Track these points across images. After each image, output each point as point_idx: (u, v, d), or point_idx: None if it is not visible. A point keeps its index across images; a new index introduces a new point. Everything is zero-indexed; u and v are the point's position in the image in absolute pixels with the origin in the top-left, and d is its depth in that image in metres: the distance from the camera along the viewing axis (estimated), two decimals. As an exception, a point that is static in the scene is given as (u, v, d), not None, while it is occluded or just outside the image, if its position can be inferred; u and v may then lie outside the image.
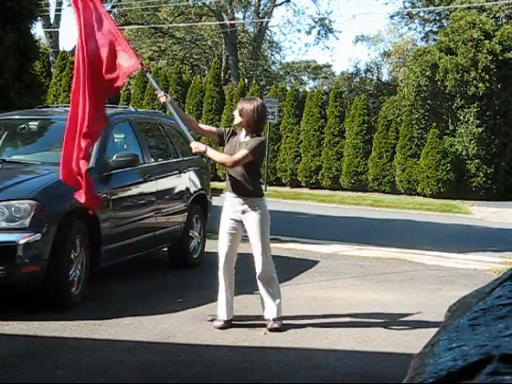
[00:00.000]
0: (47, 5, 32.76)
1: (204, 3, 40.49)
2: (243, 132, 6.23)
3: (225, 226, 6.20)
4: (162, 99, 6.12)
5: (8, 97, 11.33)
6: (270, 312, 6.17)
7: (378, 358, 5.45)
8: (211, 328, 6.13)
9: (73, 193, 6.23)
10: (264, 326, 6.12)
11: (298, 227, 14.20)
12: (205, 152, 6.11)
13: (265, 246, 6.19)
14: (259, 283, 6.21)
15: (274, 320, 6.14)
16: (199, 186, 9.23)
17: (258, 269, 6.17)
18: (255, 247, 6.17)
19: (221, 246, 6.23)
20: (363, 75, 43.94)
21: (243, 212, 6.13)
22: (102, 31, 6.02)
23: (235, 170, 6.11)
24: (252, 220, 6.11)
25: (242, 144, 6.12)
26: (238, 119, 6.21)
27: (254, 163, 6.21)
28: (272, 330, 6.06)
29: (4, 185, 6.54)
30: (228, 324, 6.19)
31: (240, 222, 6.16)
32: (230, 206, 6.18)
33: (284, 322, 6.20)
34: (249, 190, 6.15)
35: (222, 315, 6.21)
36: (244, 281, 6.96)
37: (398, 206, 21.22)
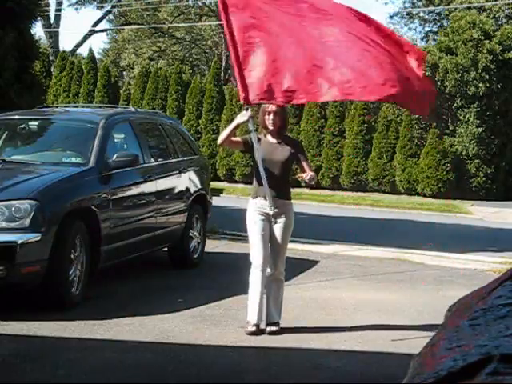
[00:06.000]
0: (47, 5, 32.77)
1: (204, 3, 40.48)
2: (268, 135, 6.19)
3: (257, 228, 6.05)
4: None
5: (8, 97, 11.33)
6: (271, 315, 6.08)
7: (378, 358, 5.45)
8: (211, 328, 6.13)
9: (72, 193, 6.23)
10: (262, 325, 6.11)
11: (298, 227, 14.19)
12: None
13: (286, 248, 6.22)
14: (269, 284, 6.11)
15: (274, 324, 6.09)
16: (199, 186, 9.22)
17: (274, 270, 6.09)
18: (278, 248, 6.10)
19: (254, 247, 6.09)
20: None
21: (277, 214, 6.04)
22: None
23: (275, 173, 6.03)
24: (283, 222, 6.06)
25: (279, 146, 6.11)
26: (276, 123, 6.15)
27: (290, 167, 6.24)
28: (271, 333, 6.02)
29: (4, 185, 6.55)
30: (258, 329, 6.00)
31: (269, 224, 6.07)
32: (260, 208, 6.05)
33: (284, 322, 6.19)
34: (286, 192, 6.16)
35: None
36: (241, 280, 6.95)
37: (398, 206, 21.22)
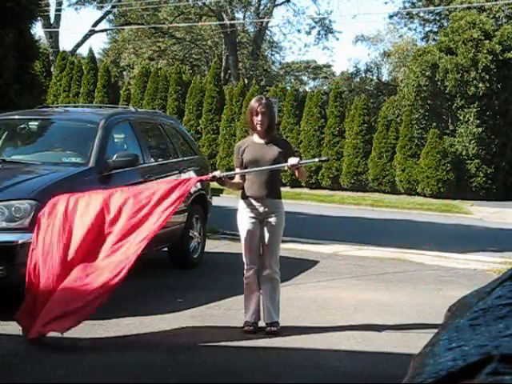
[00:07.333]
0: (47, 5, 32.76)
1: (204, 3, 40.47)
2: (256, 135, 6.17)
3: (248, 228, 6.06)
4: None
5: (8, 97, 11.33)
6: (269, 315, 6.09)
7: (378, 358, 5.44)
8: (211, 328, 6.12)
9: (72, 192, 6.24)
10: (263, 326, 6.11)
11: (298, 227, 14.21)
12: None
13: (279, 247, 6.20)
14: (264, 284, 6.11)
15: (273, 324, 6.10)
16: (199, 186, 9.21)
17: (268, 269, 6.09)
18: (270, 248, 6.08)
19: (246, 247, 6.10)
20: (363, 75, 43.96)
21: (267, 213, 6.05)
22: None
23: (265, 173, 6.02)
24: (274, 221, 6.06)
25: (266, 146, 6.09)
26: (266, 124, 6.12)
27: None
28: (270, 333, 6.02)
29: (4, 185, 6.55)
30: (255, 328, 6.06)
31: (260, 224, 6.08)
32: (252, 207, 6.05)
33: (284, 322, 6.20)
34: (276, 191, 6.15)
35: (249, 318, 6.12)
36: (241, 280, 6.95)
37: (398, 206, 21.22)
